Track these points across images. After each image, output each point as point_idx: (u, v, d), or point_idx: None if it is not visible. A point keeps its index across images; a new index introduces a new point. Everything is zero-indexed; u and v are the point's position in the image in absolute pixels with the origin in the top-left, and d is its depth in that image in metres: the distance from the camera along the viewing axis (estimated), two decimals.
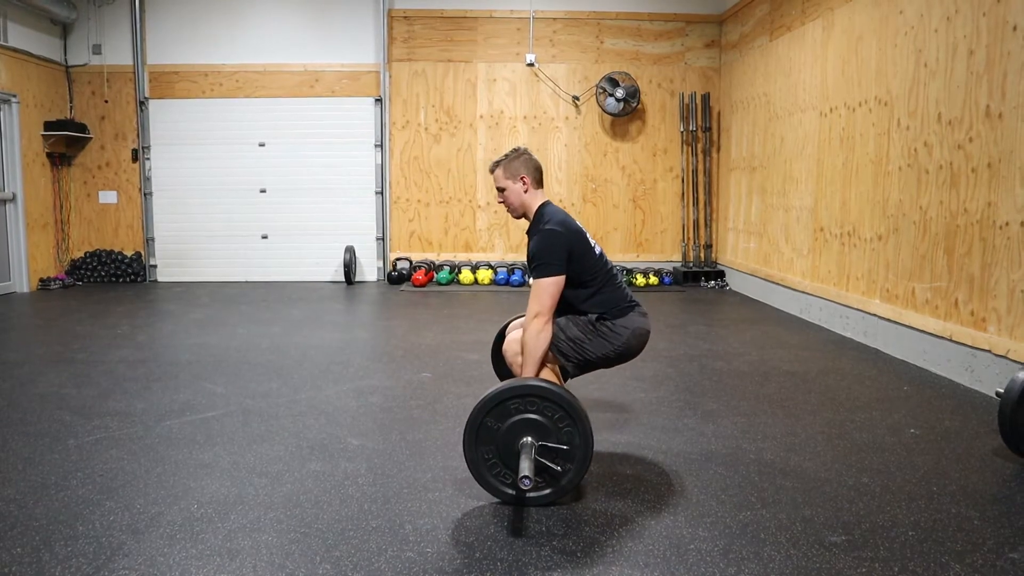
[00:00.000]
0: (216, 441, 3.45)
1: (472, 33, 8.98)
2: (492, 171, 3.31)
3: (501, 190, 3.27)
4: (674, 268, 9.08)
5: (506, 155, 3.28)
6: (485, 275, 8.78)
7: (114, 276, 9.01)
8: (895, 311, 5.19)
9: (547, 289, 3.04)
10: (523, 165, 3.23)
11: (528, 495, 2.76)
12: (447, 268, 8.93)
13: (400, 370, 4.82)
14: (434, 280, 8.84)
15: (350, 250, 8.91)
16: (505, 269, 8.86)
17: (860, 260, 5.72)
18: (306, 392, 4.28)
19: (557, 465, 2.71)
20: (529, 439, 2.70)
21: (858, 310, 5.70)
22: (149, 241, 9.14)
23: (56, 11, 8.38)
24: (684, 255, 9.17)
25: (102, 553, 2.40)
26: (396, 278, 8.92)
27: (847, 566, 2.34)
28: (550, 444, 2.71)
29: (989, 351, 4.25)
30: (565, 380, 3.49)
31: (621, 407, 4.02)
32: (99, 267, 9.00)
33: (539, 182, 3.27)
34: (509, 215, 3.36)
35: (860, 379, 4.63)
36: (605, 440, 3.49)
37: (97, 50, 8.89)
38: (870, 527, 2.61)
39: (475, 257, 9.21)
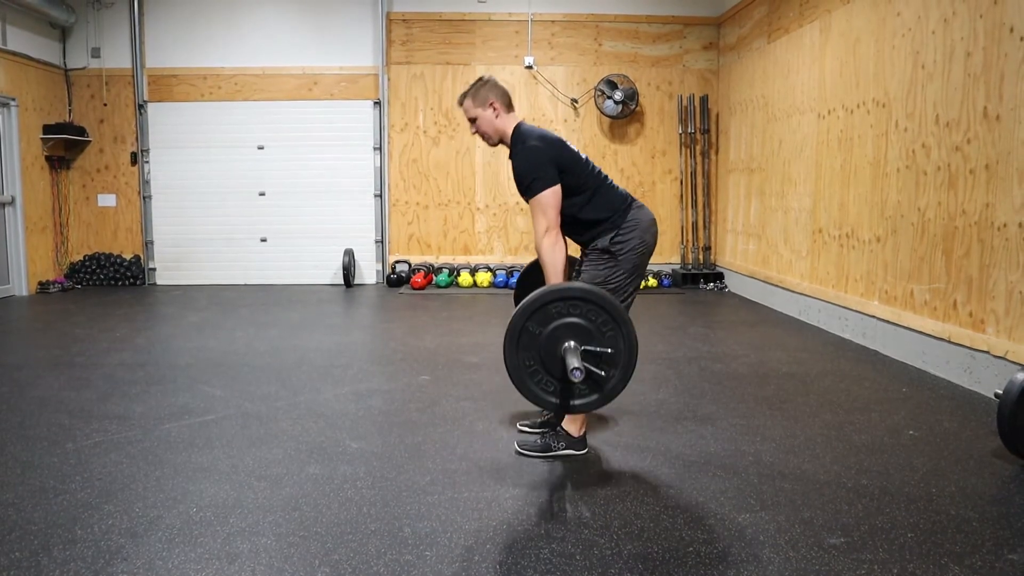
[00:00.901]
0: (215, 444, 3.45)
1: (470, 36, 8.99)
2: (460, 103, 3.30)
3: (473, 120, 3.27)
4: (673, 270, 9.08)
5: (472, 85, 3.28)
6: (484, 278, 8.77)
7: (113, 279, 9.01)
8: (894, 312, 5.20)
9: (548, 201, 3.04)
10: (490, 91, 3.24)
11: (574, 403, 2.71)
12: (446, 271, 8.93)
13: (399, 373, 4.82)
14: (433, 283, 8.84)
15: (349, 253, 8.91)
16: (504, 271, 8.85)
17: (859, 261, 5.73)
18: (305, 395, 4.28)
19: (600, 370, 2.65)
20: (572, 343, 2.64)
21: (857, 312, 5.70)
22: (148, 244, 9.14)
23: (55, 14, 8.39)
24: (683, 257, 9.17)
25: (101, 557, 2.40)
26: (395, 281, 8.92)
27: (846, 568, 2.34)
28: (594, 349, 2.65)
29: (988, 352, 4.25)
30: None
31: (620, 409, 4.01)
32: (98, 270, 9.00)
33: (509, 106, 3.28)
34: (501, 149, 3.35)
35: (859, 381, 4.63)
36: (604, 442, 3.50)
37: (96, 53, 8.90)
38: (869, 529, 2.61)
39: (474, 260, 9.21)
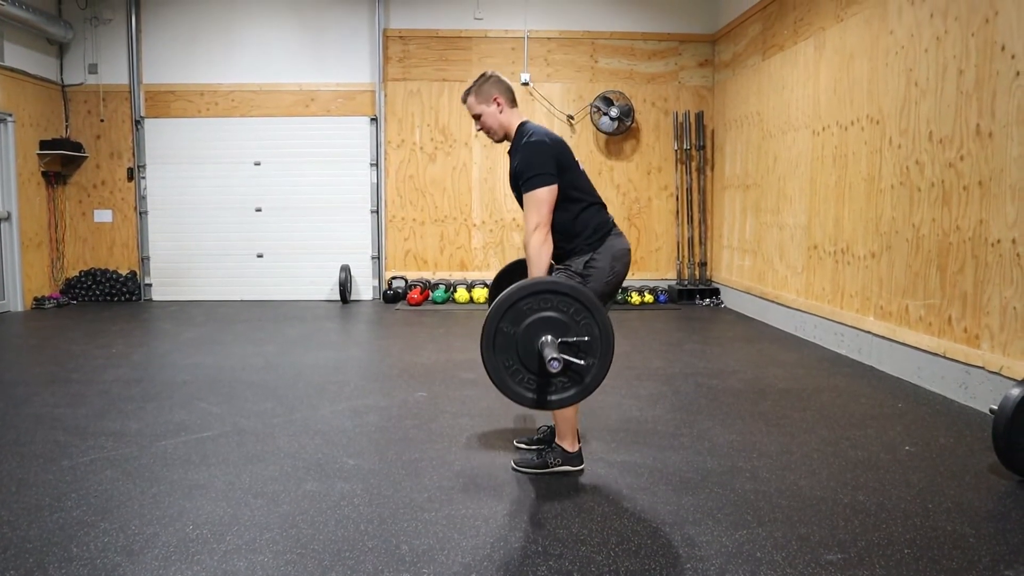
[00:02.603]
0: (211, 461, 3.44)
1: (467, 53, 9.04)
2: (464, 101, 3.28)
3: (477, 117, 3.26)
4: (669, 286, 9.10)
5: (475, 82, 3.27)
6: (480, 293, 8.78)
7: (109, 295, 8.99)
8: (889, 328, 5.21)
9: (543, 199, 3.03)
10: (493, 87, 3.23)
11: (552, 397, 2.69)
12: (442, 287, 8.93)
13: (396, 389, 4.82)
14: (429, 299, 8.85)
15: (345, 269, 8.92)
16: None
17: (854, 278, 5.75)
18: (302, 412, 4.27)
19: (580, 359, 2.64)
20: (548, 337, 2.63)
21: (852, 327, 5.72)
22: (144, 260, 9.13)
23: (53, 31, 8.42)
24: (679, 273, 9.19)
25: (97, 575, 2.39)
26: (391, 297, 8.92)
27: None
28: (570, 339, 2.64)
29: (983, 368, 4.27)
30: None
31: (616, 426, 4.02)
32: (94, 286, 8.99)
33: (513, 101, 3.27)
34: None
35: (855, 396, 4.64)
36: (601, 459, 3.50)
37: (93, 69, 8.93)
38: (866, 545, 2.61)
39: (470, 275, 9.22)
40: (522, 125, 3.24)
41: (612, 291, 3.25)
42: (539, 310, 2.66)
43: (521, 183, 3.09)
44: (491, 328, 2.67)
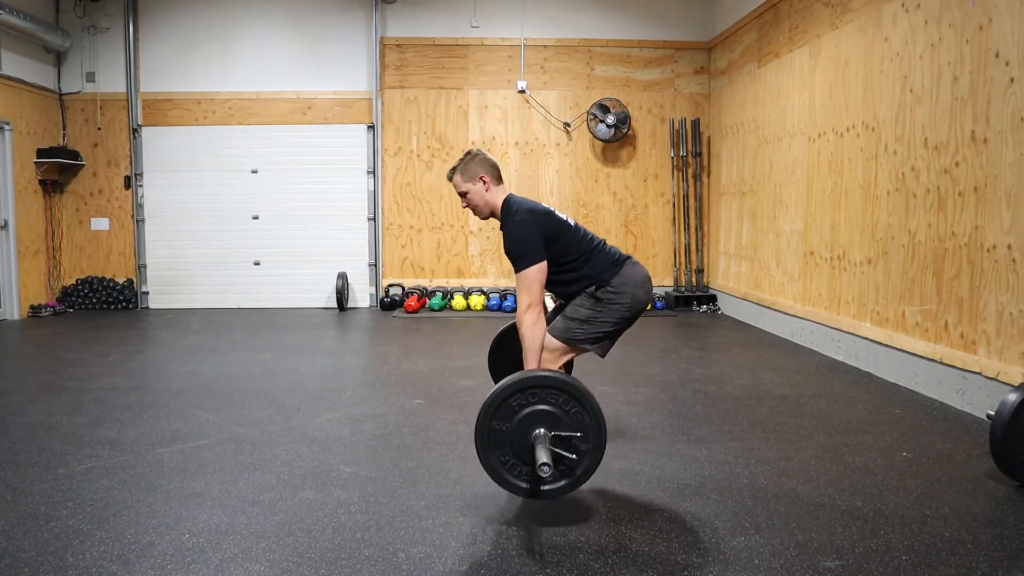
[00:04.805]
0: (208, 470, 3.43)
1: (464, 60, 9.06)
2: (450, 179, 3.33)
3: (463, 195, 3.30)
4: (666, 293, 9.10)
5: (460, 160, 3.31)
6: (478, 301, 8.78)
7: (106, 303, 8.98)
8: (886, 334, 5.22)
9: (533, 278, 3.06)
10: (479, 165, 3.26)
11: (545, 488, 2.71)
12: (440, 294, 8.93)
13: (393, 397, 4.81)
14: (427, 306, 8.84)
15: (342, 276, 8.92)
16: (498, 295, 8.86)
17: (850, 284, 5.76)
18: (298, 420, 4.26)
19: (573, 453, 2.67)
20: (541, 430, 2.67)
21: (849, 333, 5.72)
22: (141, 268, 9.12)
23: (50, 39, 8.43)
24: (676, 279, 9.20)
25: None
26: (389, 304, 8.92)
27: None
28: (563, 433, 2.67)
29: (979, 373, 4.27)
30: (571, 371, 3.50)
31: (614, 433, 4.01)
32: (91, 294, 8.98)
33: (498, 178, 3.31)
34: (478, 217, 3.39)
35: (852, 402, 4.64)
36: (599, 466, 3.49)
37: (90, 78, 8.94)
38: (864, 552, 2.61)
39: (467, 283, 9.22)
40: (507, 202, 3.26)
41: (631, 320, 3.25)
42: (528, 404, 2.70)
43: (512, 261, 3.14)
44: (484, 427, 2.71)
